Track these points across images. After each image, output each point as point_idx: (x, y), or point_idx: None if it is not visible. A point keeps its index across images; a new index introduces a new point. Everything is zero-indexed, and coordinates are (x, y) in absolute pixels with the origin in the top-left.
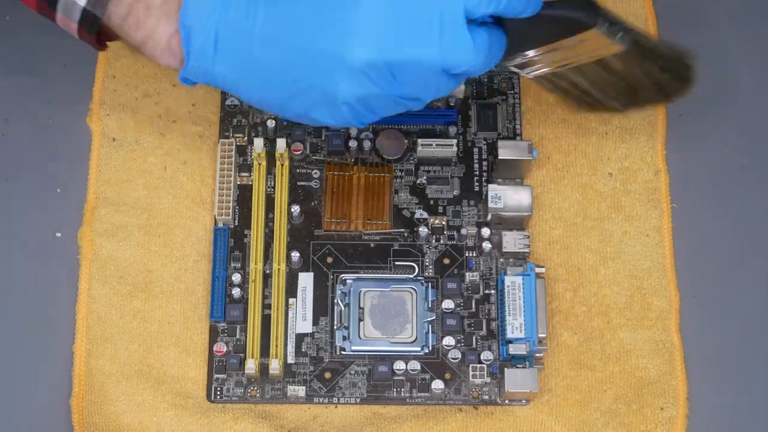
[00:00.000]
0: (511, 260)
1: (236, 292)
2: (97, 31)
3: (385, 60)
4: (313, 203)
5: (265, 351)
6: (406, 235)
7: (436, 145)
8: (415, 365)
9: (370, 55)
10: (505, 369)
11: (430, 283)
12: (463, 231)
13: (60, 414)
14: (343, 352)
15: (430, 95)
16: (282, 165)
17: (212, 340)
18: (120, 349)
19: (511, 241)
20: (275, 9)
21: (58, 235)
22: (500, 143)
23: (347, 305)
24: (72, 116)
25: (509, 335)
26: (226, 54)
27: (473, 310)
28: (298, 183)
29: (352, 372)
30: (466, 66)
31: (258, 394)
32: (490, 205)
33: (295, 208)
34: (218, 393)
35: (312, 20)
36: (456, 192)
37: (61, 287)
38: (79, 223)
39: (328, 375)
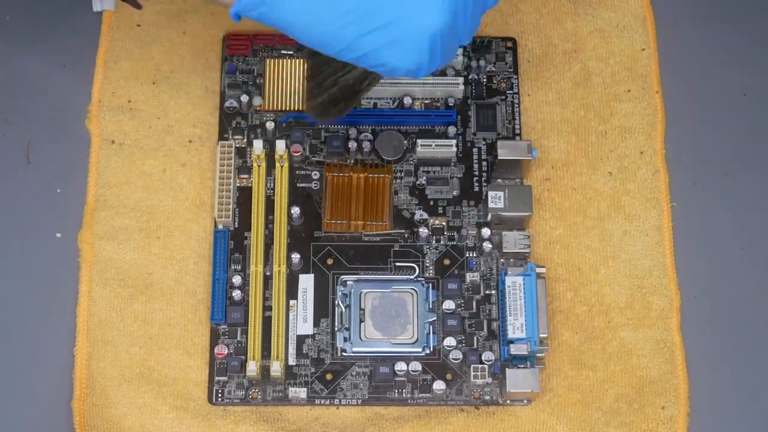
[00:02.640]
0: (511, 260)
1: (237, 294)
2: None
3: None
4: (313, 204)
5: (266, 353)
6: (406, 236)
7: (436, 145)
8: (416, 366)
9: None
10: (507, 369)
11: (430, 284)
12: (464, 231)
13: (61, 417)
14: (344, 354)
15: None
16: (281, 166)
17: (213, 343)
18: (121, 351)
19: (512, 241)
20: None
21: (58, 235)
22: (500, 143)
23: (348, 307)
24: (71, 118)
25: (510, 335)
26: None
27: (474, 310)
28: (298, 184)
29: (354, 373)
30: None
31: (259, 396)
32: (490, 205)
33: (295, 210)
34: (219, 395)
35: None
36: (456, 192)
37: (61, 290)
38: (78, 225)
39: (329, 376)
